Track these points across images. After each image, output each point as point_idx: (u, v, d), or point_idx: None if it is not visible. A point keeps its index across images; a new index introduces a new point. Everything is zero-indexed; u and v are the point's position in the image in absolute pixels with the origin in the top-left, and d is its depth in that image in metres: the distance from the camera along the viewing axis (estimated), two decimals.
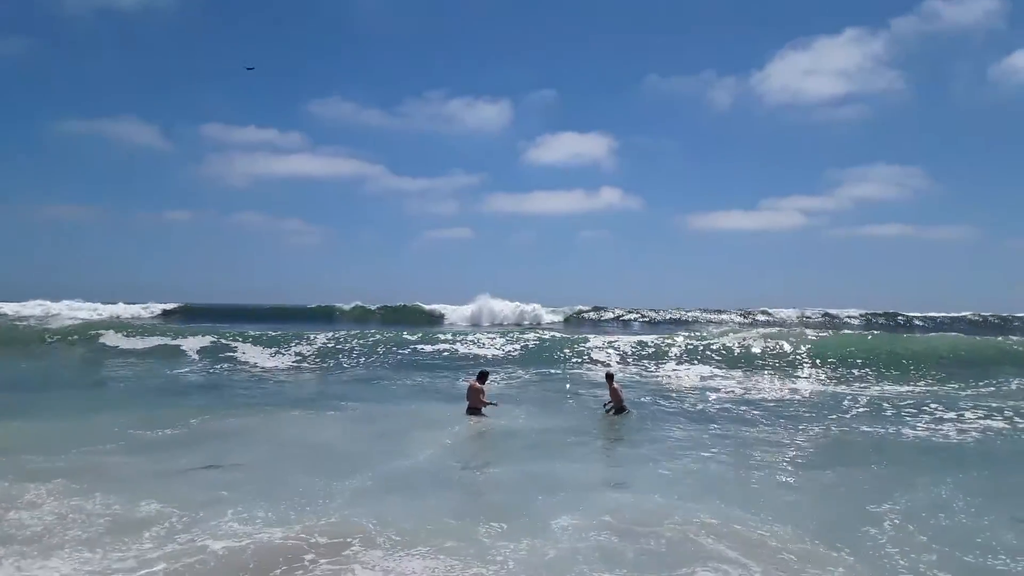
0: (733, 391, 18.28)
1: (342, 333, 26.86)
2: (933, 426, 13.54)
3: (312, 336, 26.10)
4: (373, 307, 53.27)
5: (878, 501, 8.29)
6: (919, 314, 53.25)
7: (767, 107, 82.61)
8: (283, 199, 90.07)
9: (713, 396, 17.35)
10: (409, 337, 26.22)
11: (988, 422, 13.84)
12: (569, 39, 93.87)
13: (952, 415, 14.47)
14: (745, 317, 54.02)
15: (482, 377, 14.44)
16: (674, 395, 17.42)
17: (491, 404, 14.08)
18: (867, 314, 53.71)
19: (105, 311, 46.49)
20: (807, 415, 14.79)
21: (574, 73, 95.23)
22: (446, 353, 24.58)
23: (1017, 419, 14.01)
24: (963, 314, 53.79)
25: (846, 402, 16.39)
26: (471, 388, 14.13)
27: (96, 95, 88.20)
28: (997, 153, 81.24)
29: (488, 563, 6.18)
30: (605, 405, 14.74)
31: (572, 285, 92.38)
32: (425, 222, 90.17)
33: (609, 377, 15.07)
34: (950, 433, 12.94)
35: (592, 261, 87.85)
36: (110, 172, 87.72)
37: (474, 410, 13.90)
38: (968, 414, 14.56)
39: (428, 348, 25.02)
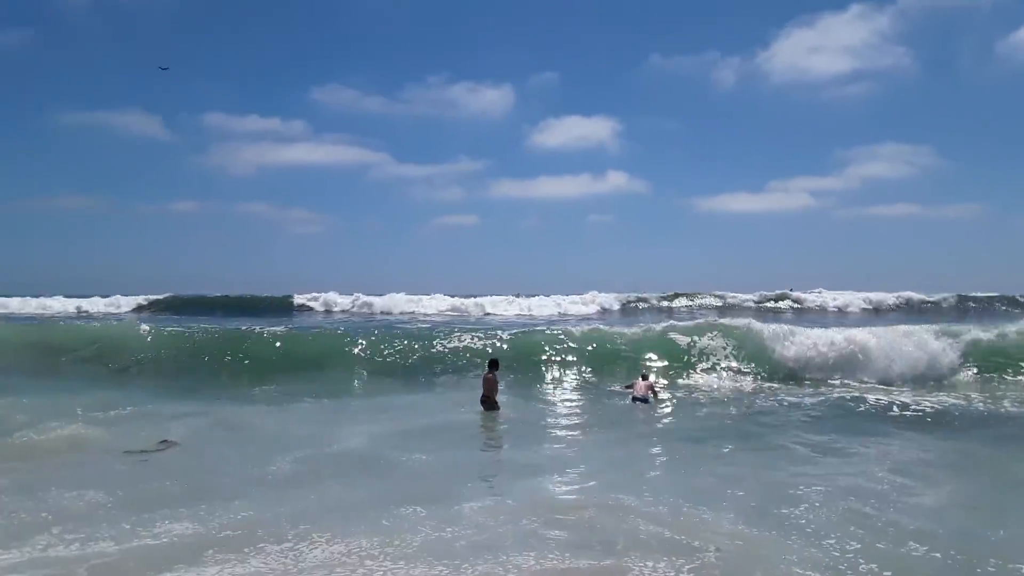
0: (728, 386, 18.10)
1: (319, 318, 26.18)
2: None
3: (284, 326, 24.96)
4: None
5: (807, 486, 8.19)
6: None
7: (773, 86, 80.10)
8: (288, 188, 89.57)
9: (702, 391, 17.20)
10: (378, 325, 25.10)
11: None
12: (569, 20, 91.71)
13: None
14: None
15: (494, 365, 13.77)
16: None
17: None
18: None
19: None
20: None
21: (576, 55, 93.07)
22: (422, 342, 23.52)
23: None
24: None
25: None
26: (486, 379, 13.49)
27: (98, 86, 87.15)
28: (1006, 130, 79.37)
29: (389, 547, 6.00)
30: (635, 400, 14.78)
31: (582, 270, 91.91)
32: (431, 209, 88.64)
33: (644, 376, 15.53)
34: None
35: (600, 246, 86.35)
36: (114, 163, 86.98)
37: (489, 401, 13.28)
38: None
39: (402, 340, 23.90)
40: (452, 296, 48.36)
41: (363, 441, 10.64)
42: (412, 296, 46.82)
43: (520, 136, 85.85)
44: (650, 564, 5.68)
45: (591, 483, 8.30)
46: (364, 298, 46.85)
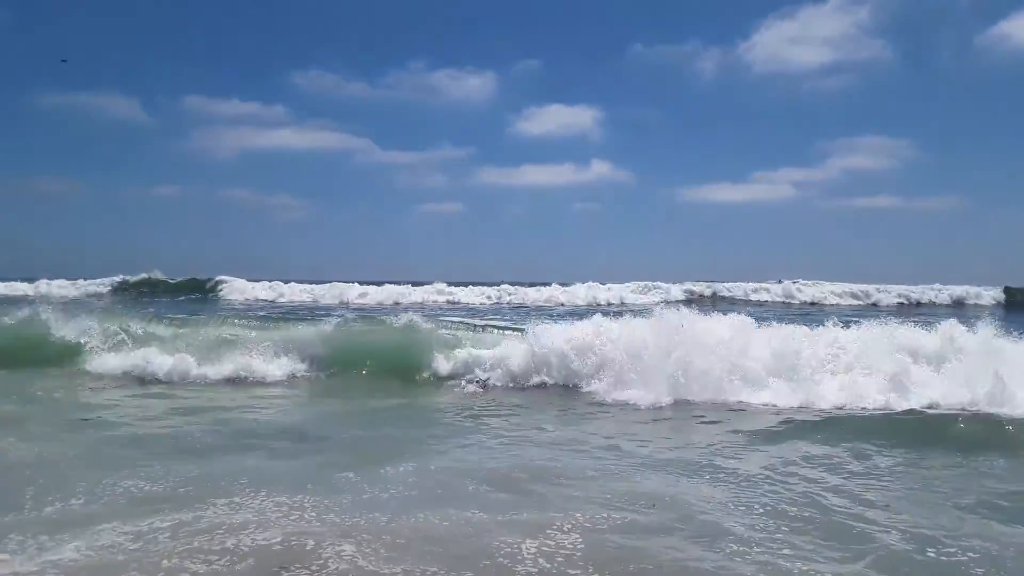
0: None
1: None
2: None
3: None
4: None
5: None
6: None
7: (754, 77, 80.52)
8: (270, 174, 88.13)
9: None
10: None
11: None
12: (550, 7, 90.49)
13: None
14: None
15: None
16: None
17: None
18: None
19: None
20: None
21: (558, 43, 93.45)
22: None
23: None
24: None
25: None
26: None
27: (74, 67, 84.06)
28: (984, 123, 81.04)
29: (320, 502, 6.11)
30: None
31: (568, 259, 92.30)
32: (415, 197, 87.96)
33: None
34: None
35: (586, 235, 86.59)
36: (92, 146, 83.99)
37: None
38: None
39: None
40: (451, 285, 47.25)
41: (296, 420, 10.51)
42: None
43: (503, 124, 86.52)
44: (605, 515, 5.92)
45: (519, 452, 8.36)
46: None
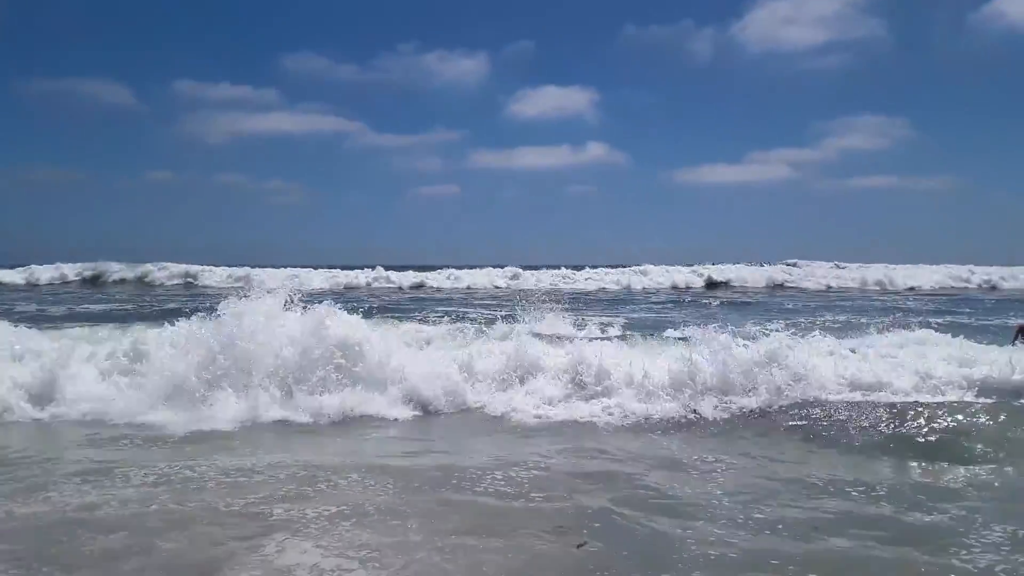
0: None
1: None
2: None
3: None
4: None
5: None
6: None
7: (748, 57, 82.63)
8: (263, 158, 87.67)
9: None
10: None
11: None
12: None
13: None
14: None
15: None
16: None
17: None
18: None
19: None
20: None
21: (549, 24, 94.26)
22: None
23: None
24: None
25: None
26: None
27: (62, 52, 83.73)
28: (978, 102, 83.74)
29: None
30: None
31: (564, 240, 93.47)
32: (411, 179, 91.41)
33: None
34: None
35: (582, 216, 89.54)
36: (82, 133, 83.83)
37: None
38: None
39: None
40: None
41: None
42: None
43: (497, 106, 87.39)
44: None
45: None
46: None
